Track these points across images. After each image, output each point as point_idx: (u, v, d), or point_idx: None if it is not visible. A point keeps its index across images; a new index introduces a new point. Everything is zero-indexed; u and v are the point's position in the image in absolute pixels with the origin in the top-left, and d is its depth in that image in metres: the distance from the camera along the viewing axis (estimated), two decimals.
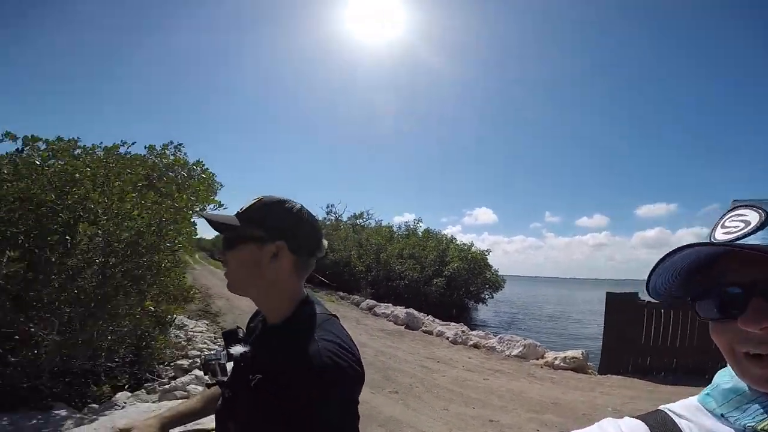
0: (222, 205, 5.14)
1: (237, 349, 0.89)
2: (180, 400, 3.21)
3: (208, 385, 1.00)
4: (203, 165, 5.37)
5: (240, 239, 0.89)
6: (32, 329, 3.17)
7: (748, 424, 0.49)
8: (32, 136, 3.67)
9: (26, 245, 3.32)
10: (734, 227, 0.48)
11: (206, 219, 0.92)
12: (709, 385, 0.57)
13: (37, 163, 3.54)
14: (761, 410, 0.49)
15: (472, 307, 20.49)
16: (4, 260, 2.96)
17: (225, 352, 0.92)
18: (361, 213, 26.65)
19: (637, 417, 0.56)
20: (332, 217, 26.71)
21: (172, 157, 5.10)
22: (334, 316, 0.93)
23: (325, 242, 0.95)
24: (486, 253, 19.88)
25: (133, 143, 4.48)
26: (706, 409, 0.54)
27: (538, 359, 7.36)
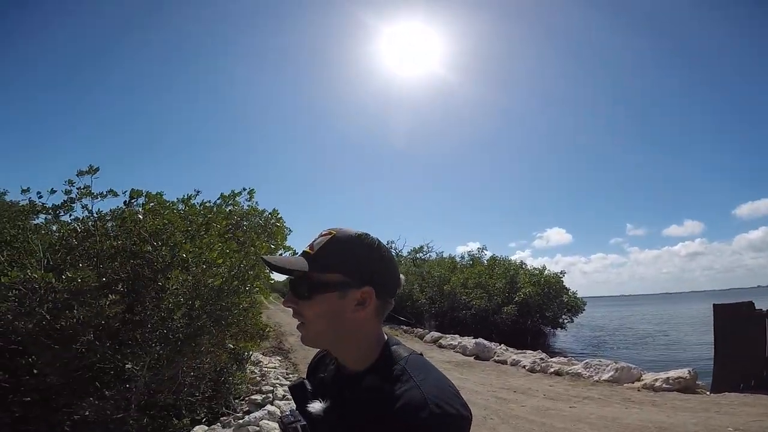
0: (291, 249, 5.16)
1: (315, 407, 0.77)
2: None
3: None
4: (278, 214, 5.46)
5: (316, 288, 0.75)
6: (127, 366, 3.48)
7: None
8: (135, 190, 4.15)
9: (125, 290, 3.73)
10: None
11: (270, 265, 0.81)
12: None
13: (141, 218, 3.93)
14: None
15: (549, 334, 18.96)
16: (107, 303, 3.35)
17: (299, 409, 0.80)
18: (421, 246, 26.98)
19: None
20: (393, 253, 27.32)
21: (246, 206, 5.32)
22: (419, 353, 0.80)
23: (403, 277, 0.86)
24: (561, 276, 18.63)
25: (197, 192, 4.88)
26: None
27: (633, 382, 6.53)
